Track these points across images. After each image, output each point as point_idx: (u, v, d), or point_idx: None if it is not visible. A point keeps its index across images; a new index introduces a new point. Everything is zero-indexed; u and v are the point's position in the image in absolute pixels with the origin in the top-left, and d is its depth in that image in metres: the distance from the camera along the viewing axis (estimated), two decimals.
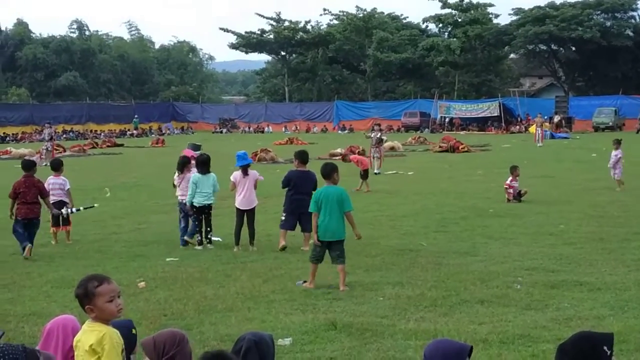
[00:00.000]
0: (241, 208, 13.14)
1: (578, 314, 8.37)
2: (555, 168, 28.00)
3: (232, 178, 13.32)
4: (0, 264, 11.90)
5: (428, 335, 7.51)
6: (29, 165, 13.36)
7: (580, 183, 22.94)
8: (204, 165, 13.44)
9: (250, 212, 13.16)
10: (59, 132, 60.06)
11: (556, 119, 63.21)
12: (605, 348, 3.92)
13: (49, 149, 37.89)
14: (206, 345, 7.35)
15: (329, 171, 10.35)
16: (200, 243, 13.24)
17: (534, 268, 10.87)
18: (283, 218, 13.11)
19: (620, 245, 12.58)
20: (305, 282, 10.11)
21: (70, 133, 71.03)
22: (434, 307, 8.83)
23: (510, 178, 19.09)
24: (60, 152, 41.92)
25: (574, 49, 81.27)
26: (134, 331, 5.26)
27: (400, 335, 7.72)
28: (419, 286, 9.82)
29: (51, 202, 13.43)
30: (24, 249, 12.43)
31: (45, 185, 13.41)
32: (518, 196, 18.75)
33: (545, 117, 55.25)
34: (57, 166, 14.54)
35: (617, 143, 21.38)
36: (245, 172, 13.17)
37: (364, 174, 22.08)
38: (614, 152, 21.21)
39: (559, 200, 18.98)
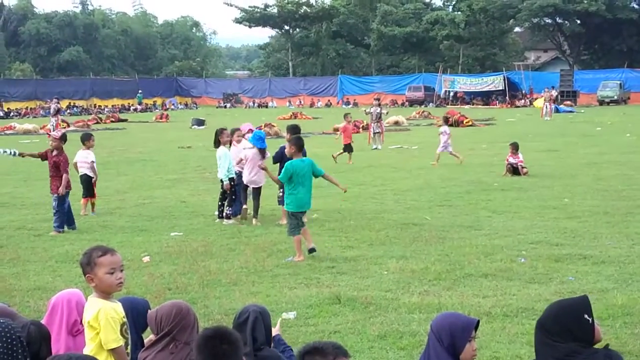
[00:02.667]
0: (249, 185, 13.16)
1: (582, 287, 8.37)
2: (559, 142, 27.91)
3: (243, 156, 13.22)
4: (6, 239, 11.93)
5: (432, 309, 7.55)
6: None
7: (585, 157, 22.89)
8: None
9: (257, 188, 13.17)
10: (62, 108, 59.88)
11: (554, 92, 62.70)
12: (586, 316, 3.89)
13: (54, 123, 37.88)
14: (211, 319, 7.39)
15: (303, 144, 10.64)
16: (221, 216, 13.22)
17: (538, 242, 10.88)
18: (280, 194, 13.06)
19: (624, 219, 12.58)
20: (293, 258, 10.08)
21: (74, 108, 70.94)
22: (438, 280, 8.85)
23: (509, 154, 19.13)
24: (65, 128, 41.87)
25: (579, 22, 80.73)
26: (149, 311, 5.23)
27: (404, 308, 7.75)
28: (422, 260, 9.84)
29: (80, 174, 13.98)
30: (58, 230, 12.53)
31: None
32: (513, 171, 18.74)
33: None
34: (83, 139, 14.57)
35: (445, 120, 23.39)
36: (262, 155, 13.04)
37: (348, 147, 23.12)
38: (444, 128, 21.97)
39: (563, 174, 18.94)
